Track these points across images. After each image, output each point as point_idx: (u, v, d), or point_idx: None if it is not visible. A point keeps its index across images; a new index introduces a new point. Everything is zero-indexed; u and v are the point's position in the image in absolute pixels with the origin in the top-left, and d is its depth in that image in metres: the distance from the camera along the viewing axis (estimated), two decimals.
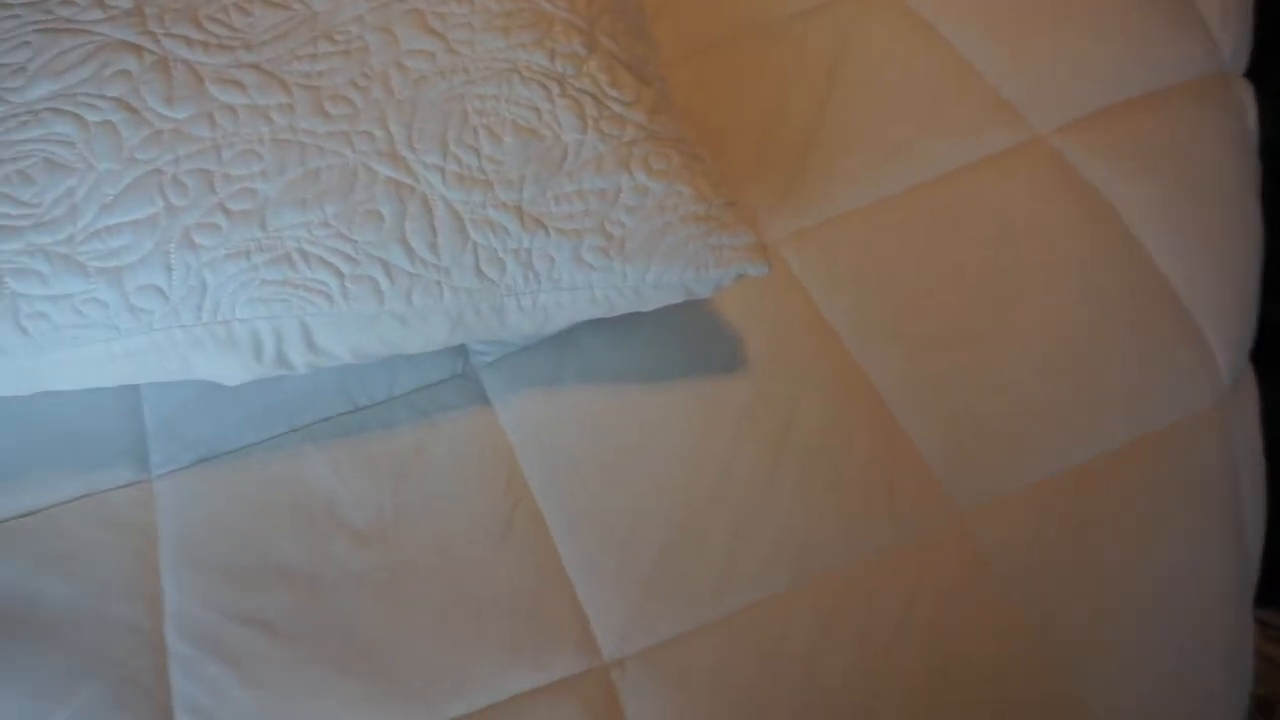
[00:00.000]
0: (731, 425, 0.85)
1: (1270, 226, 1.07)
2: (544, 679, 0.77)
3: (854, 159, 1.00)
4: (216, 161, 0.78)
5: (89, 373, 0.80)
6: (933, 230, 0.96)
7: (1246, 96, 1.10)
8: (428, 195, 0.78)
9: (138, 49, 0.81)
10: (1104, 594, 0.83)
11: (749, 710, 0.77)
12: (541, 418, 0.87)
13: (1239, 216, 1.01)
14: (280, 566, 0.81)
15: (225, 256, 0.77)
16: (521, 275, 0.80)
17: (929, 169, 0.99)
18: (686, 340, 0.90)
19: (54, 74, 0.81)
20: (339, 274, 0.78)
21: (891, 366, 0.89)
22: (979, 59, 1.05)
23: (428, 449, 0.86)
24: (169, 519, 0.84)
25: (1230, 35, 1.10)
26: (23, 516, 0.85)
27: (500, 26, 0.82)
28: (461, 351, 0.91)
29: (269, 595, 0.80)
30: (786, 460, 0.84)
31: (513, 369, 0.91)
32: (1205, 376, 0.92)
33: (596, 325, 0.88)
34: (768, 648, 0.78)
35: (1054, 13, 1.08)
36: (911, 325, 0.91)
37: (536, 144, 0.80)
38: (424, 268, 0.79)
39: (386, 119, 0.79)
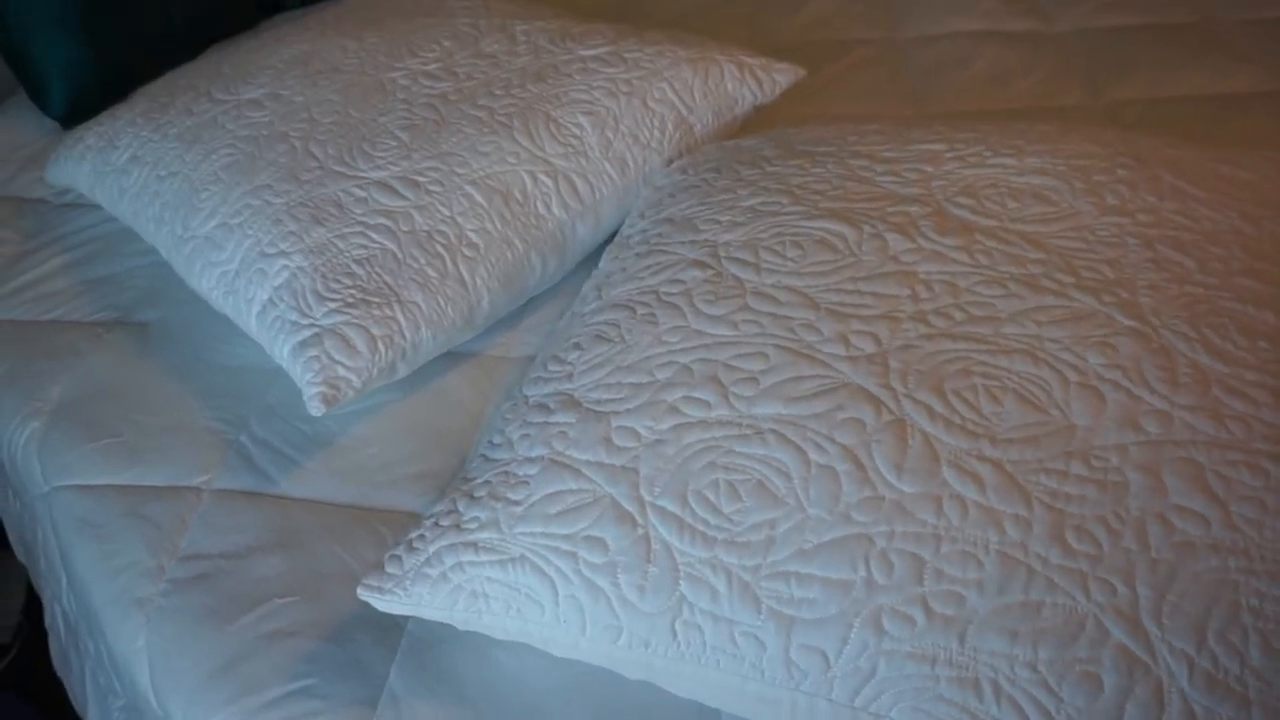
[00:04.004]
0: None
1: None
2: None
3: None
4: (932, 552, 0.71)
5: (707, 693, 0.75)
6: None
7: None
8: (1165, 685, 0.66)
9: (876, 402, 0.78)
10: None
11: None
12: None
13: None
14: None
15: (908, 655, 0.69)
16: None
17: None
18: None
19: (786, 398, 0.79)
20: None
21: None
22: None
23: None
24: None
25: None
26: None
27: None
28: None
29: None
30: None
31: None
32: None
33: None
34: None
35: None
36: None
37: None
38: None
39: (1134, 576, 0.69)
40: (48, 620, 1.24)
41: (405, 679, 0.86)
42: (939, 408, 0.77)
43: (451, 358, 1.15)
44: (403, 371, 1.09)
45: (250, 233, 1.12)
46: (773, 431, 0.77)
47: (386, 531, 0.99)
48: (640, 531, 0.76)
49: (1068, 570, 0.69)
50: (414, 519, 1.01)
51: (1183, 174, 0.99)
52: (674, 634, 0.73)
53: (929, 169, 1.01)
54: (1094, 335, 0.81)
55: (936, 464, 0.74)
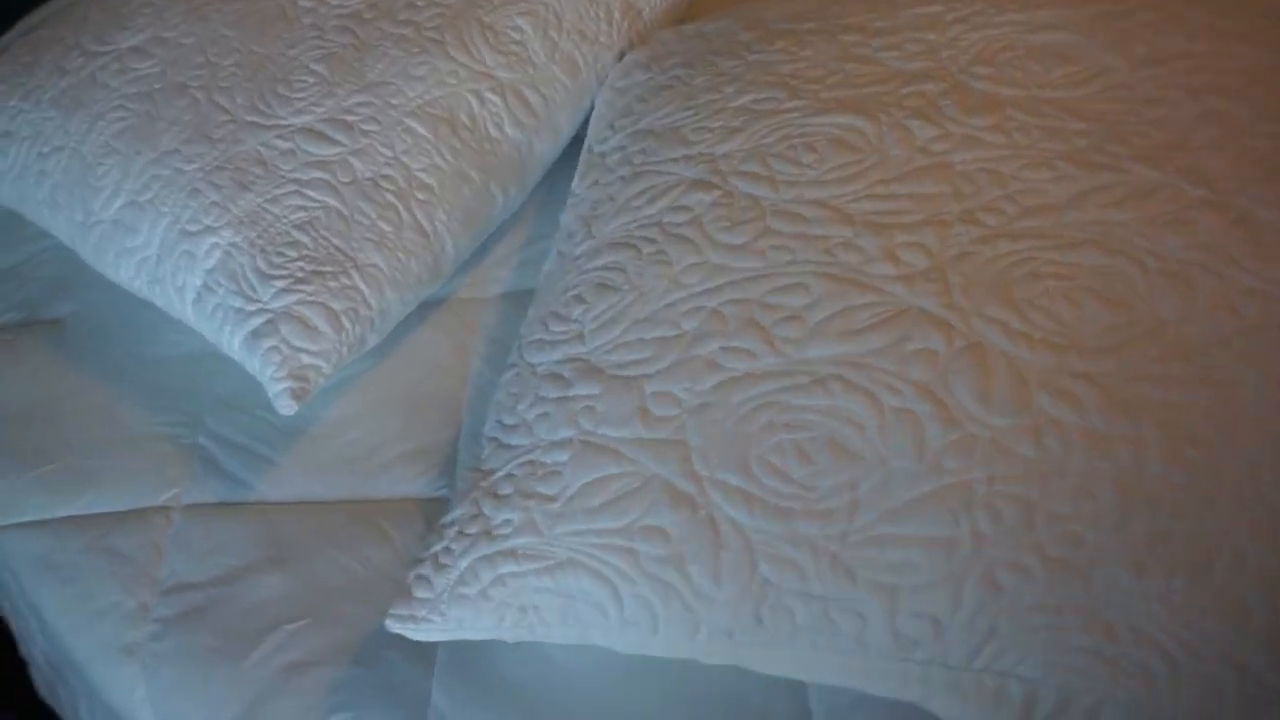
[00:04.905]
0: None
1: None
2: None
3: None
4: (1040, 492, 0.63)
5: (801, 671, 0.68)
6: None
7: None
8: None
9: (944, 325, 0.68)
10: None
11: None
12: None
13: None
14: None
15: (1032, 608, 0.62)
16: None
17: None
18: None
19: (841, 335, 0.70)
20: (1174, 665, 0.61)
21: None
22: None
23: None
24: None
25: None
26: None
27: None
28: None
29: None
30: None
31: None
32: None
33: None
34: None
35: None
36: None
37: None
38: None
39: (1263, 483, 0.61)
40: (22, 650, 1.13)
41: (450, 694, 0.77)
42: (1015, 322, 0.68)
43: (418, 310, 1.02)
44: (373, 342, 0.96)
45: (165, 209, 0.96)
46: (834, 377, 0.68)
47: (389, 526, 0.88)
48: (703, 513, 0.66)
49: (1192, 489, 0.62)
50: (418, 506, 0.91)
51: (1203, 5, 0.90)
52: (759, 620, 0.66)
53: (932, 37, 0.89)
54: (1165, 213, 0.72)
55: (1026, 389, 0.65)
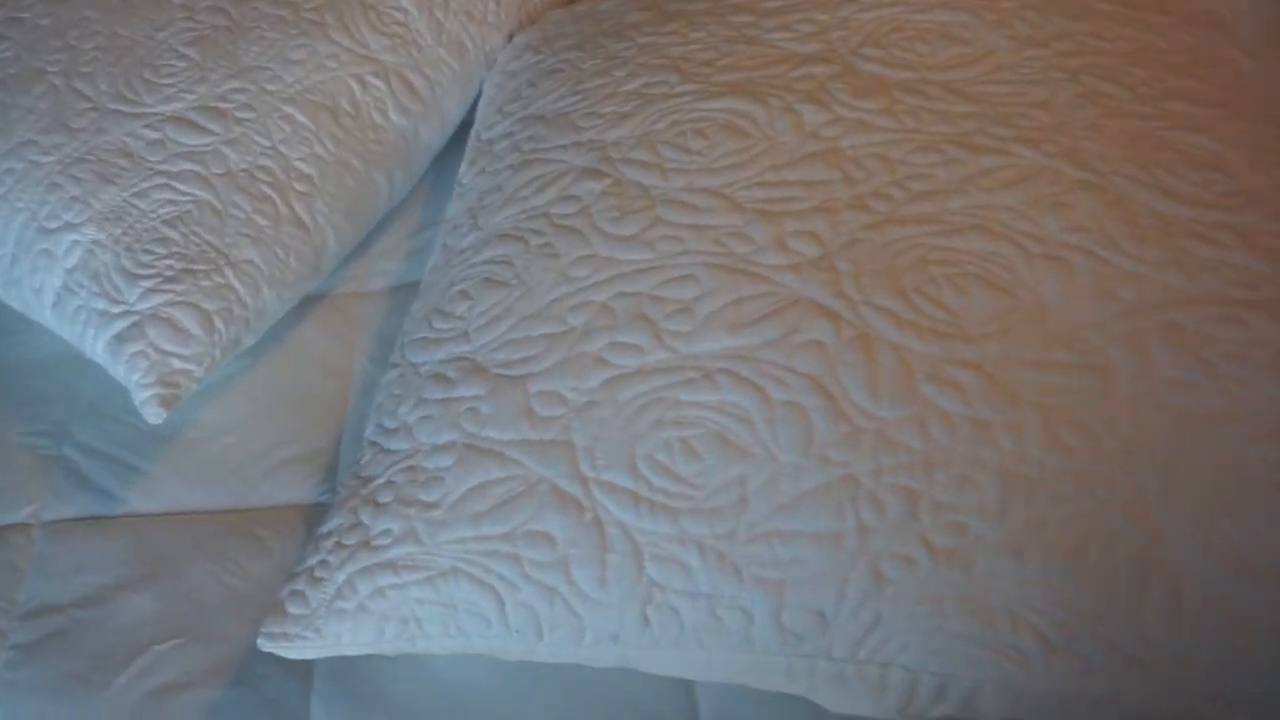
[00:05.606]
0: None
1: None
2: None
3: None
4: (925, 482, 0.62)
5: (688, 670, 0.67)
6: None
7: None
8: (1181, 574, 0.60)
9: (833, 316, 0.67)
10: None
11: None
12: None
13: None
14: None
15: (915, 598, 0.61)
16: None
17: None
18: None
19: (730, 328, 0.68)
20: (1048, 647, 0.61)
21: None
22: None
23: None
24: None
25: None
26: None
27: None
28: None
29: None
30: None
31: None
32: None
33: None
34: None
35: None
36: None
37: None
38: (1155, 658, 0.60)
39: (1135, 466, 0.62)
40: None
41: (330, 710, 0.74)
42: (903, 311, 0.67)
43: (299, 306, 0.97)
44: (249, 342, 0.91)
45: (21, 205, 0.89)
46: (722, 371, 0.66)
47: (270, 536, 0.84)
48: (589, 516, 0.64)
49: (1068, 473, 0.62)
50: (300, 514, 0.87)
51: None
52: (646, 621, 0.64)
53: (823, 17, 0.88)
54: (1046, 195, 0.72)
55: (913, 379, 0.65)
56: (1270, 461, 0.63)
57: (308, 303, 0.99)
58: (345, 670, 0.75)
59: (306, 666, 0.75)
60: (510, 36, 1.10)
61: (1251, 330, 0.67)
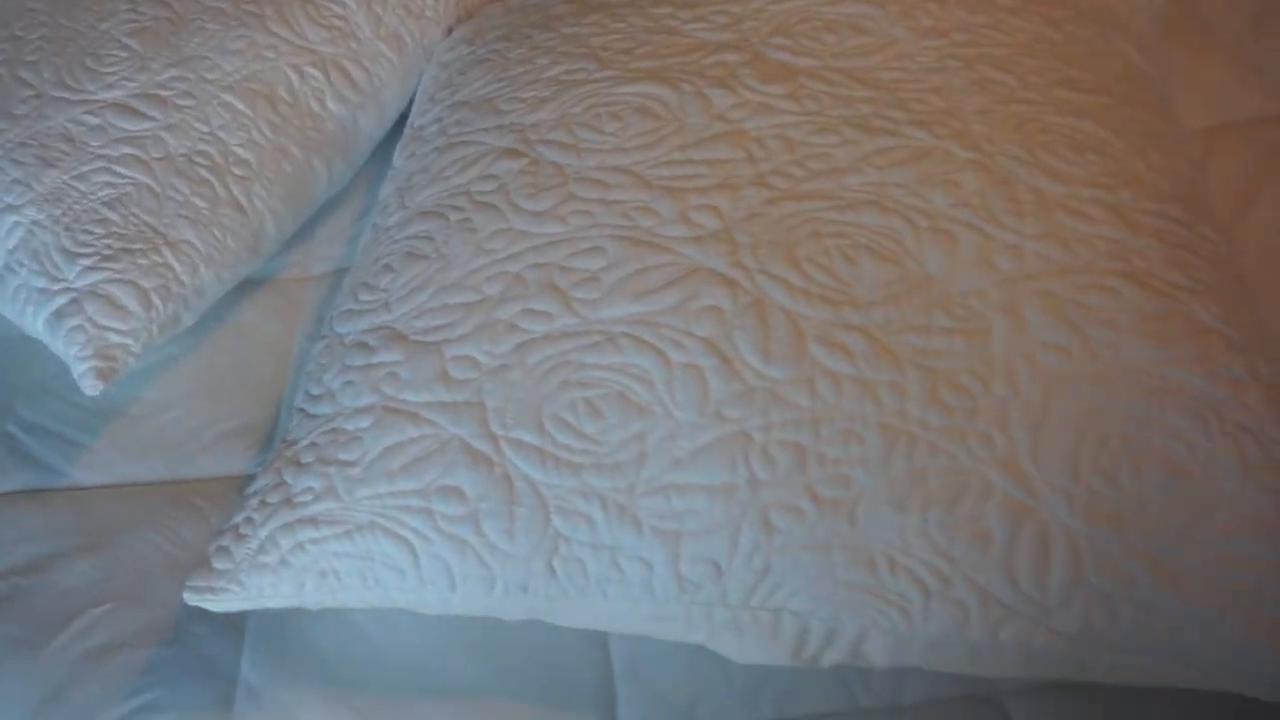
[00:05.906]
0: None
1: None
2: None
3: None
4: (812, 437, 0.66)
5: (596, 621, 0.70)
6: None
7: None
8: (1049, 523, 0.65)
9: (730, 284, 0.71)
10: None
11: None
12: None
13: None
14: None
15: (802, 547, 0.65)
16: (1134, 634, 0.64)
17: None
18: None
19: (634, 295, 0.72)
20: (926, 592, 0.65)
21: None
22: None
23: None
24: None
25: None
26: None
27: (1153, 332, 0.70)
28: None
29: None
30: None
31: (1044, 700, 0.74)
32: None
33: None
34: None
35: None
36: None
37: (1183, 485, 0.66)
38: (1025, 604, 0.65)
39: (1008, 422, 0.66)
40: None
41: (260, 668, 0.77)
42: (796, 280, 0.71)
43: (242, 289, 1.01)
44: (188, 321, 0.94)
45: None
46: (625, 335, 0.70)
47: (208, 506, 0.87)
48: (498, 471, 0.68)
49: (947, 430, 0.66)
50: (237, 484, 0.90)
51: None
52: (552, 572, 0.68)
53: (736, 9, 0.92)
54: (936, 173, 0.76)
55: (803, 342, 0.69)
56: (1135, 419, 0.68)
57: (252, 287, 1.03)
58: (274, 629, 0.78)
59: (239, 627, 0.79)
60: (449, 31, 1.13)
61: (1119, 297, 0.72)
